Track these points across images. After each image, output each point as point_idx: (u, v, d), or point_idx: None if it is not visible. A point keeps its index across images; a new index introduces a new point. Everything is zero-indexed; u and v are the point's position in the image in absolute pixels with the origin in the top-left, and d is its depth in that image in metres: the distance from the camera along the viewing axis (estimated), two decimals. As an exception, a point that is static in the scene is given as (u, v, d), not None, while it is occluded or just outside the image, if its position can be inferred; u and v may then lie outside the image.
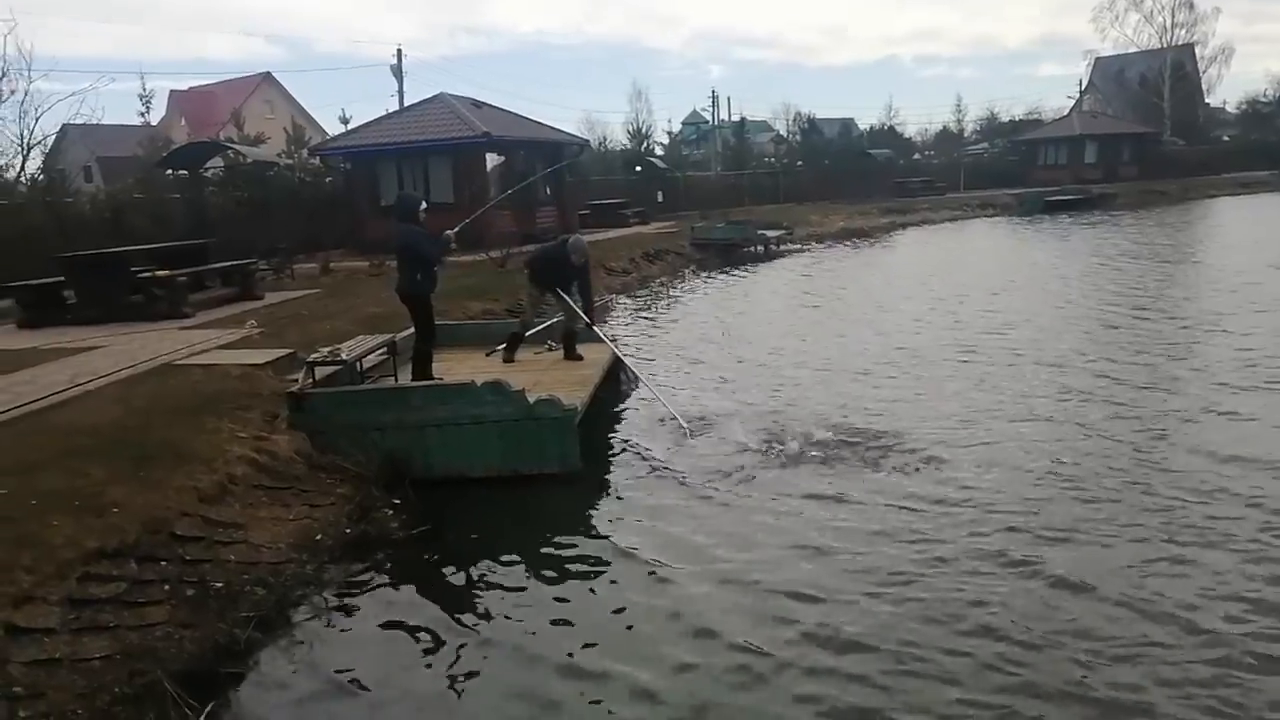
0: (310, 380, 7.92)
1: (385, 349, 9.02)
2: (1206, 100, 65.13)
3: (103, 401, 7.96)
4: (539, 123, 29.55)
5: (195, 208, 20.66)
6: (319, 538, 6.28)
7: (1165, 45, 60.29)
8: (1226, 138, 63.97)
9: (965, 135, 63.26)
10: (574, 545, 6.38)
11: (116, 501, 5.60)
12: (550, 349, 10.32)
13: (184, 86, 58.86)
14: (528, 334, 10.16)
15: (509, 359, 9.95)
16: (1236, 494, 6.48)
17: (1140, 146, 53.78)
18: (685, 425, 8.55)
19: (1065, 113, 62.10)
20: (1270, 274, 17.58)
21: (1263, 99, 66.79)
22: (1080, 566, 5.46)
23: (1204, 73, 62.95)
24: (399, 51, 42.46)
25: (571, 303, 9.88)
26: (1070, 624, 4.86)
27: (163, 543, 5.43)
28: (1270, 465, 6.99)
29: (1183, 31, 60.56)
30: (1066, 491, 6.73)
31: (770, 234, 28.17)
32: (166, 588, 5.09)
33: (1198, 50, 61.71)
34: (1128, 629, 4.78)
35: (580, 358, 9.89)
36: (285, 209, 23.21)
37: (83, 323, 12.61)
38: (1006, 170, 53.21)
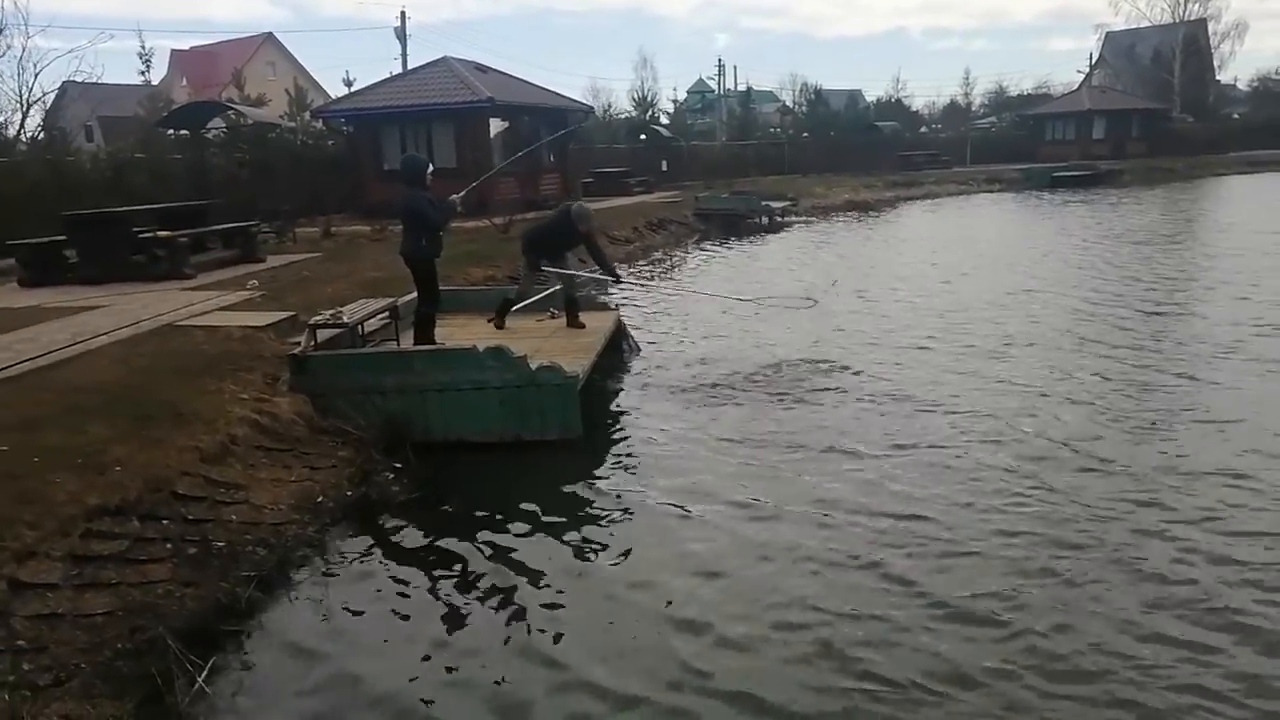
0: (312, 343, 7.91)
1: (387, 313, 9.00)
2: (1218, 77, 64.55)
3: (104, 360, 7.96)
4: (543, 89, 29.32)
5: (196, 168, 20.54)
6: (320, 500, 6.30)
7: (1178, 20, 59.58)
8: (1237, 115, 63.44)
9: (973, 109, 62.91)
10: (573, 511, 6.40)
11: (118, 459, 5.61)
12: (552, 316, 10.29)
13: (185, 46, 58.51)
14: (524, 304, 10.13)
15: (499, 325, 9.93)
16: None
17: (1149, 123, 53.33)
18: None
19: (1075, 88, 61.54)
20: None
21: (1275, 76, 66.29)
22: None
23: (1216, 49, 62.31)
24: (403, 14, 42.35)
25: (570, 270, 9.85)
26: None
27: (164, 501, 5.45)
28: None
29: (1196, 6, 59.88)
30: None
31: (775, 205, 28.03)
32: (168, 546, 5.12)
33: (1211, 25, 61.06)
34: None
35: (583, 325, 9.86)
36: (287, 171, 23.09)
37: (84, 282, 12.58)
38: (1014, 145, 52.86)
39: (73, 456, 5.54)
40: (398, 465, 7.02)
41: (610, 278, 10.10)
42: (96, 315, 10.12)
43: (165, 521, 5.30)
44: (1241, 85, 69.27)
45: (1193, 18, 59.90)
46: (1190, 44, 58.70)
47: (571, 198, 26.12)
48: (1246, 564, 5.15)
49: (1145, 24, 61.63)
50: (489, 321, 10.12)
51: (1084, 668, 4.27)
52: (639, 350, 10.78)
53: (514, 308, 10.04)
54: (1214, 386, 8.69)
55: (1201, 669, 4.21)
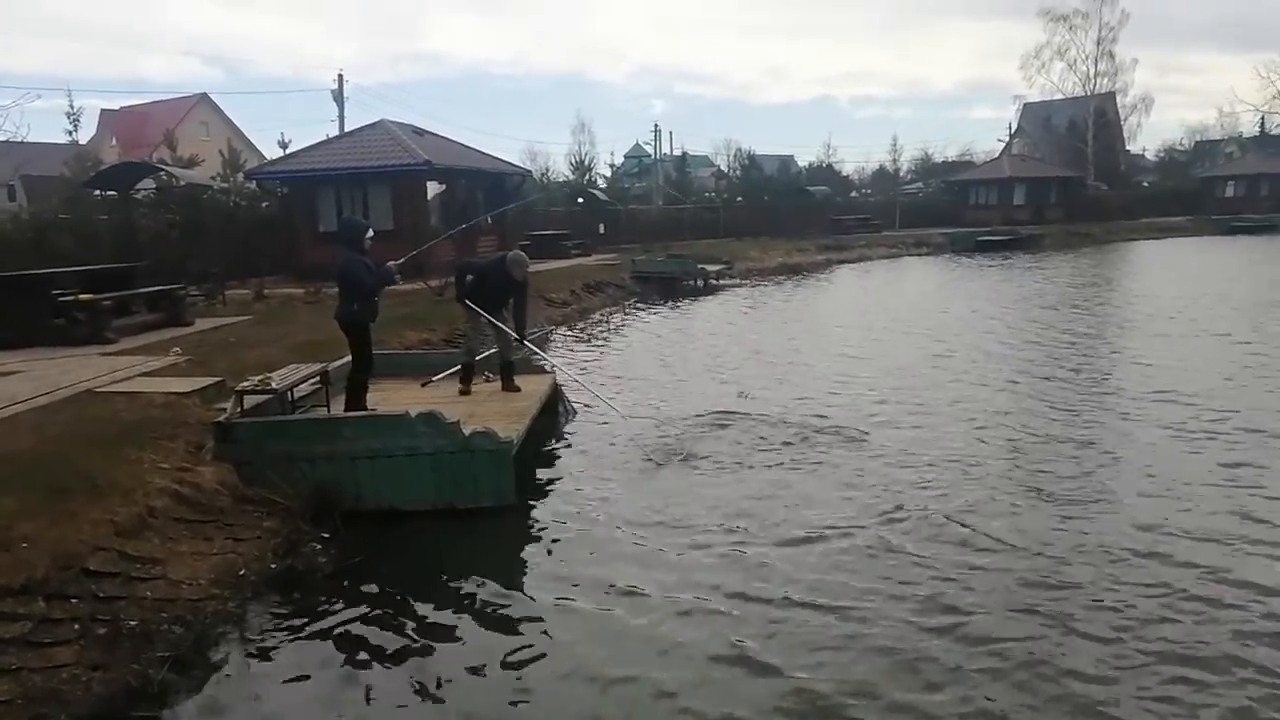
0: (238, 409, 7.71)
1: (318, 378, 8.84)
2: (1128, 147, 67.90)
3: (17, 429, 7.64)
4: (481, 152, 29.52)
5: (124, 229, 20.08)
6: (242, 573, 6.08)
7: (1089, 93, 62.78)
8: (1146, 183, 66.80)
9: (901, 174, 64.95)
10: (507, 581, 6.27)
11: (26, 536, 5.35)
12: (486, 380, 10.21)
13: (115, 106, 57.59)
14: (476, 359, 10.02)
15: (465, 391, 9.78)
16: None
17: (1066, 190, 55.81)
18: (615, 409, 8.64)
19: (996, 155, 64.18)
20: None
21: (1179, 147, 70.14)
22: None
23: (1125, 120, 65.61)
24: (340, 76, 42.29)
25: (505, 329, 9.76)
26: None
27: (74, 579, 5.20)
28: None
29: (1105, 80, 63.09)
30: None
31: (710, 268, 28.46)
32: (76, 627, 4.87)
33: (1119, 99, 64.41)
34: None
35: (518, 389, 9.79)
36: (219, 233, 22.69)
37: (0, 346, 12.13)
38: (940, 209, 54.76)
39: (-24, 533, 5.26)
40: (326, 535, 6.83)
41: (514, 336, 9.72)
42: (11, 381, 9.74)
43: (74, 600, 5.05)
44: (1150, 155, 73.16)
45: (1102, 91, 63.18)
46: (1100, 116, 61.78)
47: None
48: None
49: (1059, 96, 64.79)
50: (423, 386, 10.00)
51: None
52: (575, 413, 10.74)
53: (474, 360, 9.94)
54: (1110, 455, 8.63)
55: None
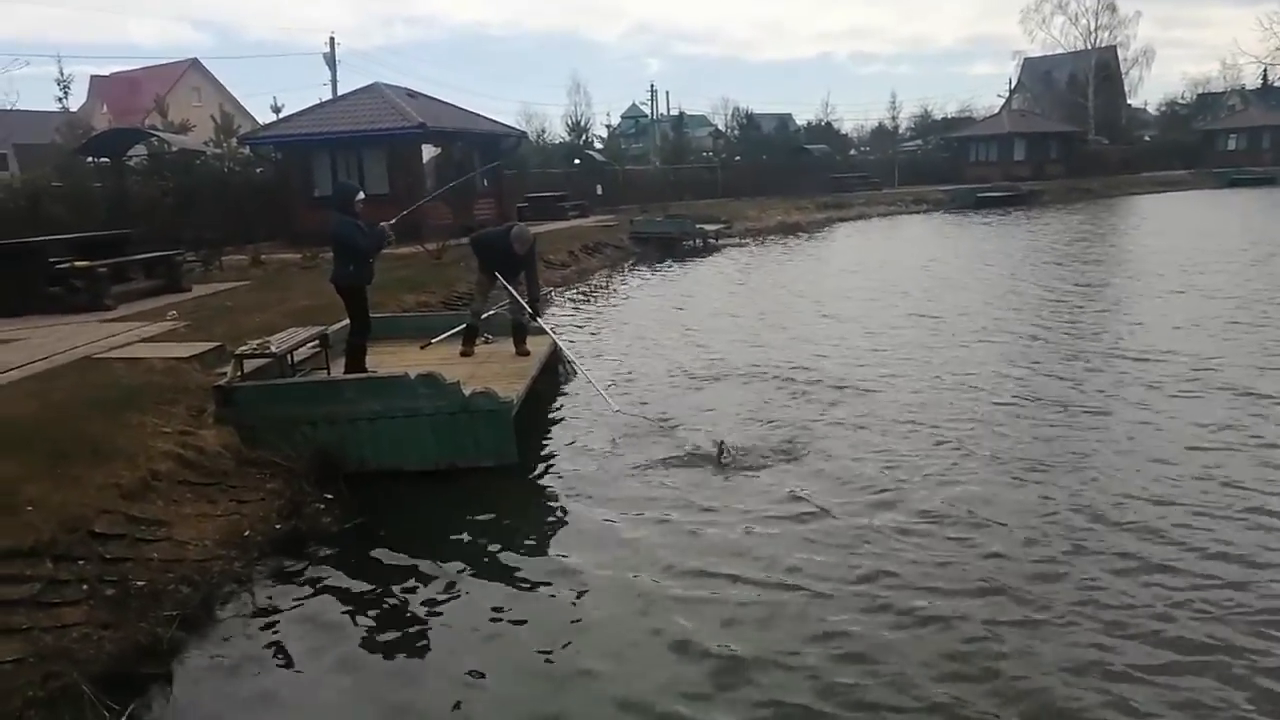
0: (238, 374, 7.72)
1: (317, 341, 8.84)
2: (1129, 101, 67.33)
3: (18, 396, 7.65)
4: (476, 114, 29.25)
5: (117, 197, 19.97)
6: (247, 534, 6.13)
7: (1090, 47, 62.10)
8: (1148, 138, 66.29)
9: (900, 132, 64.39)
10: (508, 539, 6.33)
11: (32, 499, 5.38)
12: (486, 341, 10.21)
13: (106, 72, 56.92)
14: (484, 315, 10.01)
15: (467, 352, 9.80)
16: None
17: (1067, 145, 55.42)
18: (610, 402, 8.59)
19: (996, 111, 63.62)
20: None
21: (1180, 101, 69.50)
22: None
23: (1126, 74, 65.02)
24: (332, 40, 41.88)
25: (516, 294, 9.76)
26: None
27: (81, 541, 5.23)
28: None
29: (1106, 34, 62.49)
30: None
31: (708, 228, 28.35)
32: (84, 588, 4.91)
33: (1120, 52, 63.76)
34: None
35: (528, 352, 9.75)
36: (213, 199, 22.57)
37: (-3, 315, 12.10)
38: (940, 167, 54.42)
39: (-18, 497, 5.30)
40: (329, 496, 6.86)
41: (527, 309, 9.68)
42: (10, 349, 9.74)
43: (81, 562, 5.10)
44: (1151, 109, 72.51)
45: (1103, 45, 62.50)
46: (1102, 70, 61.22)
47: (508, 222, 26.11)
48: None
49: (1060, 51, 64.10)
50: (422, 348, 10.00)
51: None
52: (575, 374, 10.75)
53: (478, 322, 9.94)
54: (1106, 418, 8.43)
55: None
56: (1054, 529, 5.97)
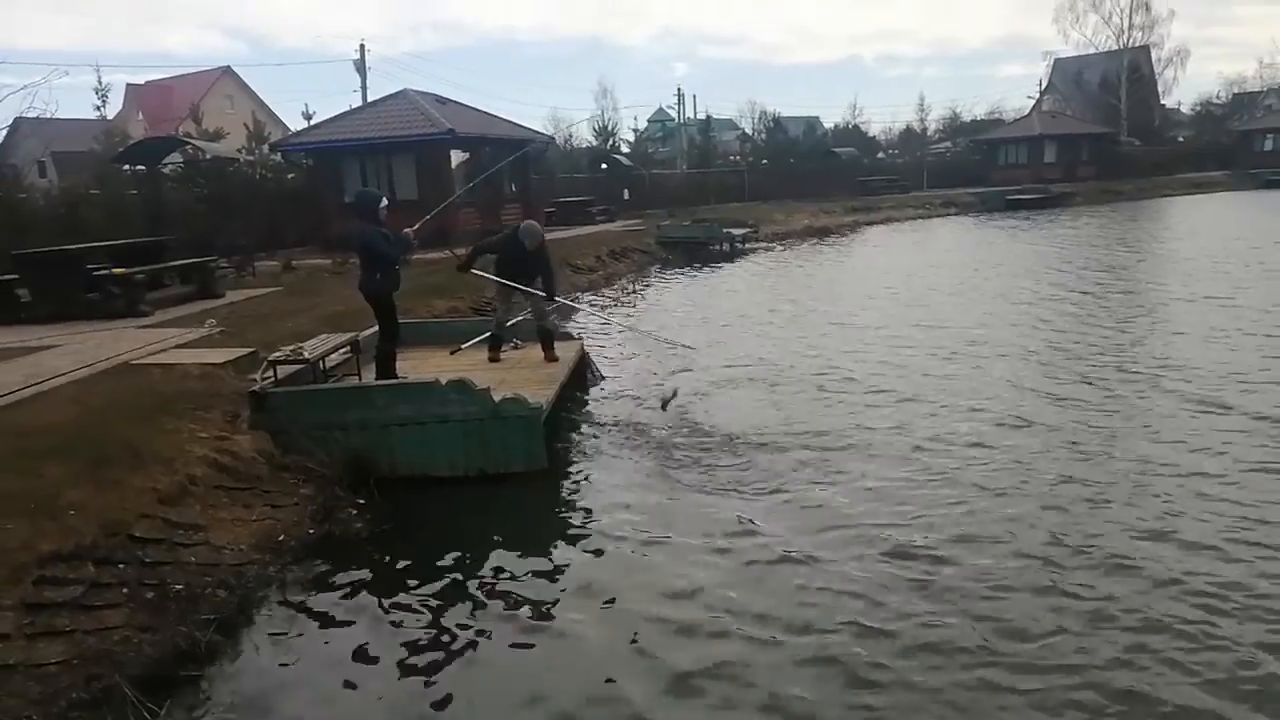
0: (272, 379, 7.84)
1: (348, 347, 8.94)
2: (1162, 101, 66.37)
3: (58, 402, 7.81)
4: (504, 120, 29.41)
5: (153, 204, 20.29)
6: (282, 538, 6.23)
7: (1122, 47, 61.32)
8: (1181, 139, 65.32)
9: (928, 134, 64.00)
10: (539, 544, 6.38)
11: (73, 503, 5.51)
12: (515, 347, 10.27)
13: (141, 80, 57.91)
14: (506, 328, 10.08)
15: (494, 359, 9.88)
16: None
17: (1098, 147, 54.74)
18: (684, 345, 8.72)
19: (1026, 113, 62.99)
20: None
21: (1215, 101, 68.44)
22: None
23: (1160, 74, 64.14)
24: (362, 46, 42.03)
25: (536, 293, 9.81)
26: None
27: (121, 545, 5.35)
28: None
29: (1139, 33, 61.65)
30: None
31: (736, 232, 28.34)
32: (125, 591, 5.02)
33: (1154, 52, 62.89)
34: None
35: (557, 358, 9.76)
36: (246, 205, 22.89)
37: (37, 321, 12.35)
38: (969, 169, 53.95)
39: (25, 501, 5.42)
40: (361, 502, 6.96)
41: (548, 298, 9.79)
42: (50, 355, 9.94)
43: (122, 565, 5.20)
44: (1185, 109, 71.41)
45: (1136, 45, 61.70)
46: (1134, 70, 60.42)
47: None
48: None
49: (1092, 51, 63.36)
50: (452, 353, 10.07)
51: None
52: (603, 379, 10.80)
53: (503, 331, 10.01)
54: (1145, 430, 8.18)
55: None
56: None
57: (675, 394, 8.63)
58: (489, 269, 10.01)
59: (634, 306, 17.99)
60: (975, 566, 5.57)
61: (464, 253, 10.22)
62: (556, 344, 9.97)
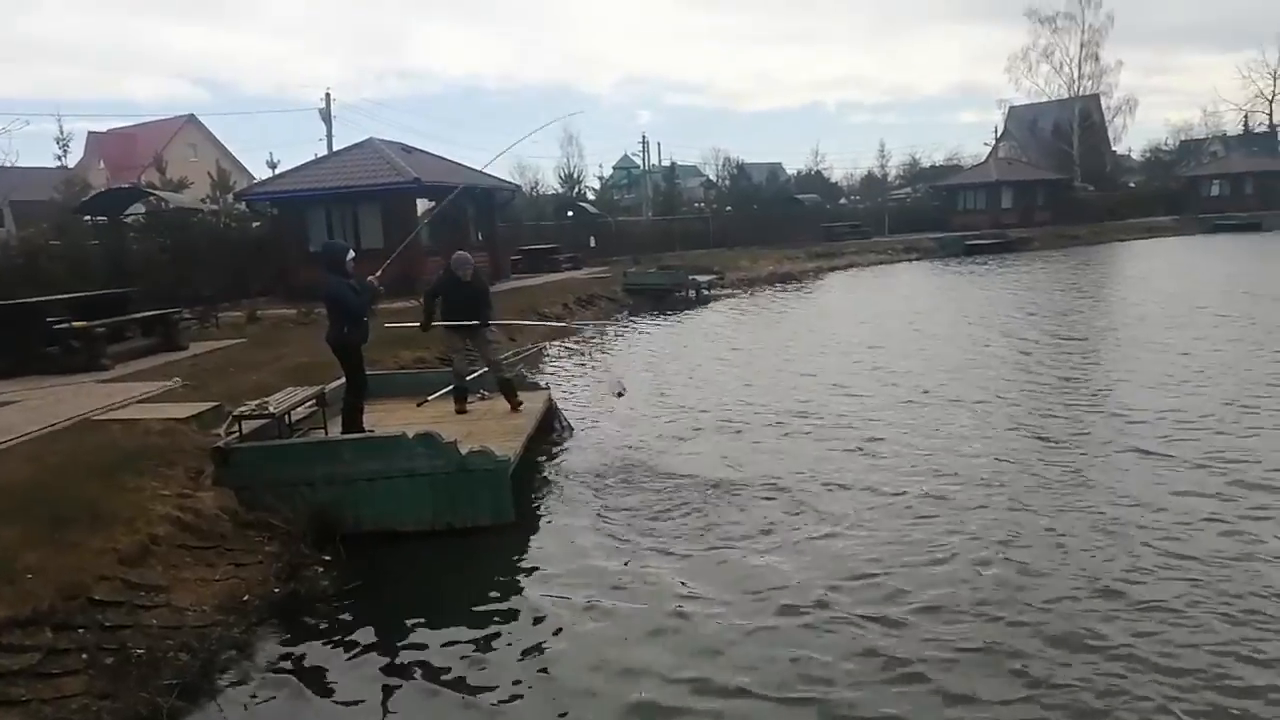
0: (236, 434, 7.77)
1: (314, 401, 8.90)
2: (1114, 148, 68.47)
3: (15, 460, 7.66)
4: (470, 168, 29.60)
5: (115, 255, 20.10)
6: (246, 598, 6.14)
7: (1074, 95, 63.29)
8: (1132, 184, 67.33)
9: (889, 180, 65.38)
10: (507, 599, 6.35)
11: (30, 566, 5.40)
12: (482, 398, 10.28)
13: (103, 128, 57.55)
14: (469, 378, 10.09)
15: (461, 410, 9.86)
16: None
17: (1053, 192, 56.24)
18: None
19: (983, 159, 64.65)
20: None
21: (1164, 148, 70.74)
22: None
23: (1110, 122, 66.20)
24: (328, 95, 42.35)
25: (488, 347, 9.88)
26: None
27: (80, 609, 5.25)
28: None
29: (1089, 82, 63.73)
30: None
31: (701, 279, 28.62)
32: (84, 656, 4.92)
33: (1104, 100, 64.98)
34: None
35: (521, 407, 9.78)
36: (210, 255, 22.71)
37: (-7, 376, 12.13)
38: (929, 214, 55.14)
39: (-19, 565, 5.31)
40: (327, 558, 6.88)
41: (480, 323, 9.81)
42: (6, 411, 9.76)
43: (81, 630, 5.11)
44: (1135, 155, 73.75)
45: (1087, 93, 63.71)
46: (1086, 118, 62.35)
47: (499, 275, 26.34)
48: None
49: (1045, 99, 65.31)
50: (419, 406, 10.06)
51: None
52: (572, 430, 10.80)
53: (465, 383, 9.99)
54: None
55: None
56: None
57: (623, 389, 10.51)
58: (439, 314, 10.01)
59: (598, 354, 18.04)
60: (923, 629, 5.52)
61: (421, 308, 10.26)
62: (522, 393, 9.99)
